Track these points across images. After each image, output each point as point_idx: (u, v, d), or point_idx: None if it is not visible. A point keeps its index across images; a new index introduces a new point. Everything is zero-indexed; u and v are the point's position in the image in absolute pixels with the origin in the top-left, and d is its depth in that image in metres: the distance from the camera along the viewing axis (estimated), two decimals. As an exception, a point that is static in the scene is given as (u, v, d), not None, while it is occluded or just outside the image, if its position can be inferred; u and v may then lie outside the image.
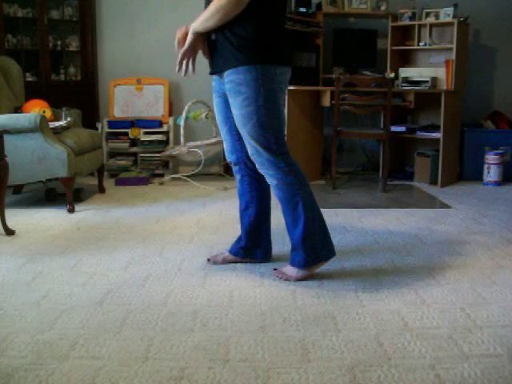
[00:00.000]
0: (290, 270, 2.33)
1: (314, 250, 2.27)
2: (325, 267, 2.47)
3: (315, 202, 2.29)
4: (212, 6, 2.07)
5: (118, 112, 5.04)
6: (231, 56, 2.12)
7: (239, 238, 2.54)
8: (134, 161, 4.97)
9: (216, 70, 2.24)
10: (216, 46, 2.18)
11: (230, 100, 2.20)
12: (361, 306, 2.06)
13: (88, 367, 1.59)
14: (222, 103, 2.34)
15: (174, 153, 4.61)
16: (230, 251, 2.55)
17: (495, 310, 2.02)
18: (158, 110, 5.04)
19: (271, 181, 2.25)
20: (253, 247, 2.52)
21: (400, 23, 5.01)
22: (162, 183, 4.65)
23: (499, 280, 2.35)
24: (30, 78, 4.86)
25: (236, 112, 2.19)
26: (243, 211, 2.48)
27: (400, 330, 1.84)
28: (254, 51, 2.11)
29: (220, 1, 2.04)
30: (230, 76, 2.15)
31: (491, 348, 1.71)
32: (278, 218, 3.41)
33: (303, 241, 2.25)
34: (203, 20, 2.11)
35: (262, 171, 2.26)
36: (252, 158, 2.25)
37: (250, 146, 2.22)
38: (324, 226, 2.29)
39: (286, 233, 3.06)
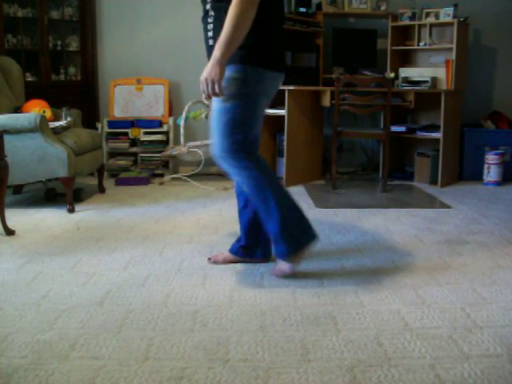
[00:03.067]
0: (282, 265, 2.34)
1: (294, 238, 2.28)
2: (325, 267, 2.47)
3: (286, 193, 2.28)
4: (229, 17, 1.99)
5: (118, 112, 5.04)
6: None
7: (239, 238, 2.54)
8: (134, 161, 4.97)
9: None
10: (212, 50, 2.18)
11: None
12: (361, 306, 2.06)
13: (88, 367, 1.59)
14: None
15: (174, 153, 4.61)
16: (230, 250, 2.56)
17: (495, 310, 2.02)
18: (158, 110, 5.04)
19: (237, 178, 2.27)
20: (252, 246, 2.52)
21: (400, 23, 5.01)
22: (161, 183, 4.65)
23: (499, 280, 2.35)
24: (30, 78, 4.85)
25: (215, 106, 2.21)
26: (241, 210, 2.49)
27: (400, 330, 1.84)
28: (246, 52, 2.12)
29: (235, 8, 1.98)
30: None
31: (491, 348, 1.71)
32: (278, 218, 3.41)
33: (281, 231, 2.25)
34: (227, 38, 1.99)
35: (225, 167, 2.26)
36: (217, 154, 2.24)
37: (217, 143, 2.22)
38: (299, 213, 2.29)
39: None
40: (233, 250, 2.55)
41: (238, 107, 2.15)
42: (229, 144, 2.19)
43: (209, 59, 2.23)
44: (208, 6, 2.18)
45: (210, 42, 2.19)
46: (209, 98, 2.12)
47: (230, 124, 2.17)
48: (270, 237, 2.32)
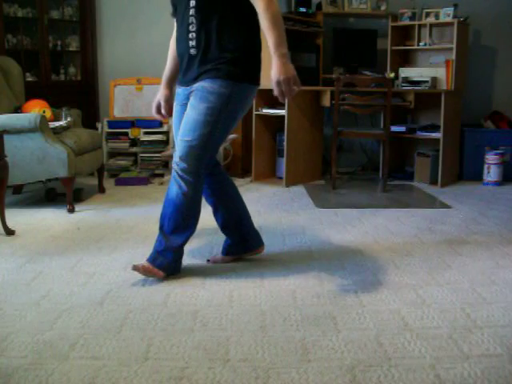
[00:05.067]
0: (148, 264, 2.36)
1: (174, 263, 2.37)
2: (325, 267, 2.47)
3: (191, 230, 2.33)
4: (270, 21, 2.02)
5: (118, 112, 5.03)
6: (212, 68, 2.14)
7: (226, 238, 2.56)
8: (134, 161, 4.96)
9: (192, 81, 2.22)
10: (195, 61, 2.18)
11: (192, 102, 2.18)
12: (361, 306, 2.06)
13: (88, 367, 1.59)
14: (183, 112, 2.30)
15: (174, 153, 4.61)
16: (223, 253, 2.57)
17: (495, 310, 2.02)
18: (158, 110, 5.03)
19: (175, 187, 2.30)
20: (238, 243, 2.53)
21: (400, 23, 5.01)
22: (162, 183, 4.64)
23: (499, 280, 2.35)
24: (29, 78, 4.85)
25: (192, 115, 2.17)
26: (215, 213, 2.50)
27: (400, 330, 1.84)
28: (236, 69, 2.14)
29: (270, 12, 2.02)
30: (203, 82, 2.15)
31: (491, 348, 1.71)
32: (276, 218, 3.41)
33: (178, 249, 2.34)
34: (280, 37, 2.02)
35: (178, 172, 2.24)
36: (177, 159, 2.22)
37: (183, 150, 2.19)
38: (177, 256, 2.36)
39: (286, 233, 3.07)
40: (224, 252, 2.56)
41: (218, 123, 2.16)
42: (194, 155, 2.17)
43: (187, 68, 2.21)
44: (191, 17, 2.14)
45: (192, 51, 2.17)
46: (285, 96, 2.04)
47: (205, 138, 2.16)
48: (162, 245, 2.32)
